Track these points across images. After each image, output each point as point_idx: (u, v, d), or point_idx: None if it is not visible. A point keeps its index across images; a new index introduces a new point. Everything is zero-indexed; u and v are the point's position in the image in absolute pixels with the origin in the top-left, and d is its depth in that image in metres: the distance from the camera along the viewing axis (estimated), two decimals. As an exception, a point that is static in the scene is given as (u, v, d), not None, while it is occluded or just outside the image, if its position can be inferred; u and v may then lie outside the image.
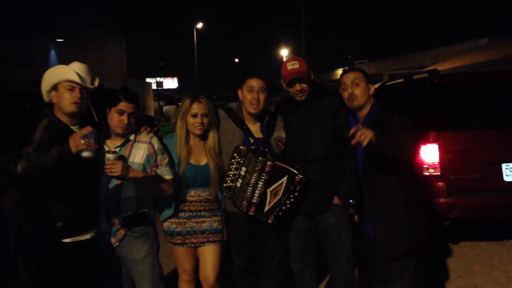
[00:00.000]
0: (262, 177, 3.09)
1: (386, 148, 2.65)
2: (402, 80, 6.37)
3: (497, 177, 4.85)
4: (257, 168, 3.09)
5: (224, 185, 3.21)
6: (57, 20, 18.76)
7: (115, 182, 2.94)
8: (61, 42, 19.40)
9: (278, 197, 3.11)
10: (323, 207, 3.32)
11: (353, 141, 2.56)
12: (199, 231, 3.21)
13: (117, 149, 2.88)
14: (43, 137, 2.59)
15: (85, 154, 2.49)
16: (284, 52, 46.01)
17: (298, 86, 3.25)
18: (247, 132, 3.30)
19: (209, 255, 3.24)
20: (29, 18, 16.92)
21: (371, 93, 3.03)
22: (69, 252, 2.67)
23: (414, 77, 5.87)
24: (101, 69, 21.06)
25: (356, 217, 3.23)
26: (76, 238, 2.71)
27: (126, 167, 2.74)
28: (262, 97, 3.26)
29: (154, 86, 50.55)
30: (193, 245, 3.23)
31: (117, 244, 2.99)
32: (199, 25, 40.38)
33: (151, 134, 3.08)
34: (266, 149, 3.22)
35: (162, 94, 58.34)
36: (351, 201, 3.30)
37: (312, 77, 3.36)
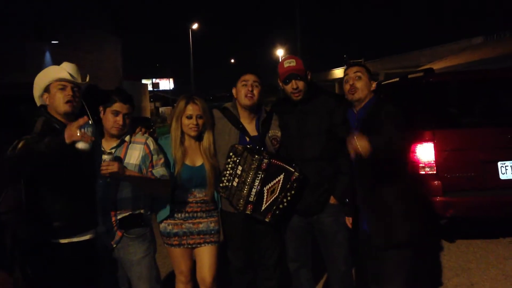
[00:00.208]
0: (258, 175, 3.10)
1: (379, 145, 2.67)
2: (397, 79, 6.38)
3: (493, 175, 4.87)
4: (253, 167, 3.10)
5: (221, 185, 3.21)
6: (51, 22, 18.70)
7: (111, 183, 2.94)
8: (56, 44, 19.34)
9: (275, 195, 3.11)
10: (320, 207, 3.33)
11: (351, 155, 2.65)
12: (196, 232, 3.21)
13: (113, 150, 2.88)
14: (43, 129, 2.59)
15: (80, 145, 2.39)
16: (280, 52, 46.04)
17: (294, 84, 3.26)
18: (243, 131, 3.30)
19: (205, 256, 3.24)
20: (23, 20, 16.87)
21: (372, 88, 3.06)
22: (67, 253, 2.65)
23: (409, 76, 5.89)
24: (96, 71, 21.01)
25: (347, 219, 3.25)
26: (74, 239, 2.70)
27: (122, 167, 2.73)
28: (256, 90, 3.27)
29: (150, 88, 50.52)
30: (189, 246, 3.22)
31: (114, 245, 2.99)
32: (195, 26, 40.39)
33: (146, 135, 3.08)
34: (262, 148, 3.22)
35: (158, 95, 58.30)
36: (347, 200, 3.30)
37: (309, 77, 3.37)
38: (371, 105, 3.01)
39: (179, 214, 3.19)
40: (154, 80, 58.62)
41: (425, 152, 4.86)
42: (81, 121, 2.38)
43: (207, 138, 3.23)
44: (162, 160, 3.06)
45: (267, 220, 3.14)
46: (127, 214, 2.98)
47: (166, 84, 62.08)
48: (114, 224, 2.97)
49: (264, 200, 3.13)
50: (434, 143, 4.84)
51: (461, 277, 4.41)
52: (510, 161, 4.87)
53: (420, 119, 5.02)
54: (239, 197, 3.14)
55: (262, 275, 3.46)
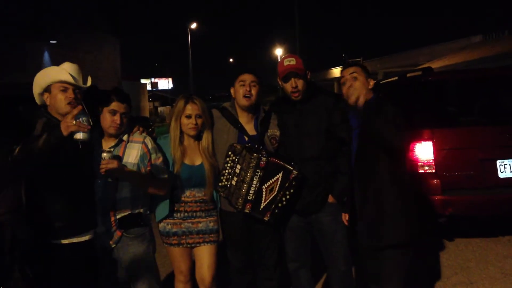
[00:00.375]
0: (257, 173, 3.10)
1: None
2: (396, 78, 6.38)
3: (492, 174, 4.87)
4: (251, 165, 3.10)
5: (220, 184, 3.21)
6: (50, 22, 18.68)
7: (110, 183, 2.94)
8: (55, 44, 19.31)
9: (273, 194, 3.11)
10: (318, 206, 3.33)
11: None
12: (195, 232, 3.21)
13: (112, 149, 2.88)
14: (43, 131, 2.58)
15: (78, 136, 2.41)
16: (278, 52, 46.02)
17: (293, 82, 3.25)
18: (241, 130, 3.31)
19: (205, 255, 3.24)
20: (23, 20, 16.84)
21: (370, 87, 3.04)
22: (66, 254, 2.66)
23: (408, 75, 5.89)
24: (95, 71, 21.00)
25: (344, 216, 3.25)
26: (74, 240, 2.70)
27: (121, 165, 2.74)
28: (254, 90, 3.27)
29: (149, 87, 50.50)
30: (188, 245, 3.23)
31: (114, 245, 2.99)
32: (193, 26, 40.36)
33: (144, 134, 3.08)
34: (261, 147, 3.22)
35: (157, 95, 58.28)
36: (346, 199, 3.30)
37: (308, 76, 3.37)
38: (369, 105, 2.99)
39: (178, 214, 3.19)
40: (153, 79, 58.62)
41: (424, 151, 4.87)
42: (75, 111, 2.38)
43: (206, 137, 3.23)
44: (161, 159, 3.06)
45: (266, 219, 3.14)
46: (126, 214, 2.98)
47: (165, 84, 62.06)
48: (113, 224, 2.97)
49: (263, 198, 3.13)
50: (433, 142, 4.85)
51: (460, 275, 4.42)
52: (509, 159, 4.87)
53: (419, 118, 5.02)
54: (237, 196, 3.14)
55: (262, 275, 3.46)
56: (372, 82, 3.08)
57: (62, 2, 19.76)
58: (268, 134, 3.35)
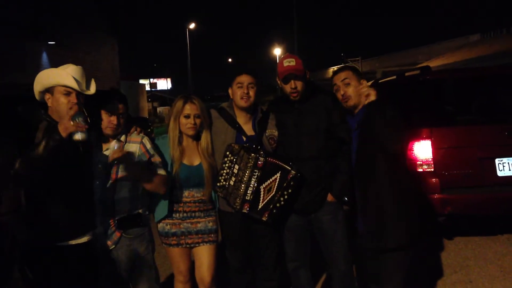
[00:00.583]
0: (254, 173, 3.10)
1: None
2: (394, 77, 6.39)
3: (490, 172, 4.87)
4: (249, 165, 3.10)
5: (218, 184, 3.21)
6: (49, 23, 18.66)
7: (109, 184, 2.95)
8: (53, 45, 19.28)
9: (271, 194, 3.11)
10: (317, 205, 3.33)
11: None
12: (194, 232, 3.21)
13: (109, 151, 2.87)
14: (43, 138, 2.58)
15: (77, 136, 2.41)
16: (277, 51, 46.04)
17: (293, 83, 3.26)
18: (239, 131, 3.31)
19: (204, 255, 3.24)
20: (22, 20, 16.82)
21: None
22: (66, 255, 2.65)
23: (406, 74, 5.89)
24: (93, 72, 20.94)
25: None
26: (73, 241, 2.70)
27: (130, 155, 2.77)
28: (252, 92, 3.27)
29: (147, 88, 50.43)
30: (188, 245, 3.23)
31: (113, 246, 2.99)
32: (192, 26, 40.35)
33: (141, 134, 3.08)
34: (259, 147, 3.22)
35: (156, 95, 58.20)
36: (346, 198, 3.31)
37: (307, 76, 3.37)
38: (367, 107, 2.98)
39: (177, 214, 3.20)
40: (151, 80, 58.55)
41: (422, 150, 4.87)
42: (71, 112, 2.39)
43: (205, 137, 3.24)
44: (159, 159, 3.07)
45: (264, 219, 3.14)
46: (125, 214, 2.98)
47: (164, 84, 61.98)
48: (113, 225, 2.97)
49: (261, 198, 3.13)
50: (431, 141, 4.85)
51: (460, 274, 4.42)
52: (508, 158, 4.88)
53: (417, 117, 5.02)
54: (235, 196, 3.14)
55: (262, 276, 3.46)
56: (365, 83, 3.05)
57: (61, 2, 19.73)
58: (267, 134, 3.35)
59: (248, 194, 3.12)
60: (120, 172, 2.97)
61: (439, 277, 4.37)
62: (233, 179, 3.16)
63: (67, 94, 2.63)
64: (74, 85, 2.61)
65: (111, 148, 2.72)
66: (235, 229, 3.35)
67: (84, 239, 2.74)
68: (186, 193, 3.19)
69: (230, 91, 3.36)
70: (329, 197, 3.33)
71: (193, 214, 3.21)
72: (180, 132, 3.20)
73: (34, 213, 2.61)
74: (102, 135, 3.00)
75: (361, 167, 2.97)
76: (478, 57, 22.92)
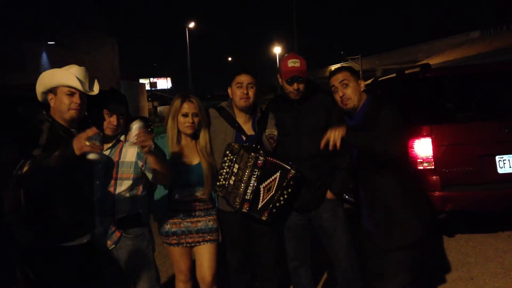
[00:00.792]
0: (254, 172, 3.10)
1: (361, 143, 2.76)
2: (394, 75, 6.38)
3: (491, 169, 4.87)
4: (249, 164, 3.10)
5: (217, 183, 3.21)
6: (49, 23, 18.65)
7: (108, 184, 2.95)
8: (53, 45, 19.29)
9: (271, 193, 3.11)
10: (316, 202, 3.33)
11: (330, 147, 2.71)
12: (194, 231, 3.21)
13: (108, 151, 2.86)
14: (49, 140, 2.57)
15: (91, 156, 2.40)
16: (277, 50, 45.98)
17: (296, 85, 3.26)
18: (239, 130, 3.30)
19: (205, 254, 3.24)
20: (21, 20, 16.82)
21: (362, 89, 3.01)
22: (67, 256, 2.65)
23: (406, 71, 5.89)
24: (93, 71, 20.93)
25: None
26: (73, 242, 2.70)
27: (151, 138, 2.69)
28: (251, 92, 3.27)
29: (147, 87, 50.44)
30: (188, 245, 3.23)
31: (113, 246, 3.00)
32: (191, 25, 40.32)
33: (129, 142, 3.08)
34: (259, 146, 3.22)
35: (156, 95, 58.25)
36: (346, 196, 3.30)
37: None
38: (366, 108, 2.97)
39: (177, 213, 3.19)
40: (151, 79, 58.58)
41: (423, 147, 4.87)
42: (89, 132, 2.36)
43: (203, 136, 3.23)
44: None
45: (264, 218, 3.14)
46: (125, 214, 2.99)
47: (164, 84, 62.02)
48: (112, 225, 2.97)
49: (261, 198, 3.13)
50: (431, 138, 4.84)
51: (461, 271, 4.42)
52: (508, 155, 4.87)
53: (417, 115, 5.01)
54: (235, 195, 3.14)
55: (261, 275, 3.46)
56: (363, 84, 3.03)
57: (61, 2, 19.73)
58: (266, 134, 3.35)
59: (248, 194, 3.12)
60: (120, 172, 2.97)
61: (440, 274, 4.37)
62: (233, 178, 3.16)
63: (71, 94, 2.63)
64: (78, 85, 2.62)
65: (134, 129, 2.61)
66: (234, 229, 3.34)
67: (84, 240, 2.74)
68: (186, 192, 3.18)
69: (229, 90, 3.36)
70: (329, 195, 3.33)
71: (193, 213, 3.21)
72: (178, 131, 3.20)
73: (34, 214, 2.61)
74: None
75: (366, 167, 2.96)
76: (478, 54, 22.91)
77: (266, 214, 3.13)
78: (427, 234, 2.91)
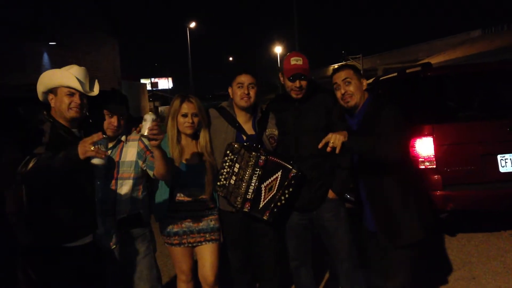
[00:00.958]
0: (256, 172, 3.09)
1: (361, 148, 2.76)
2: (395, 74, 6.37)
3: (492, 168, 4.86)
4: (250, 163, 3.09)
5: (218, 183, 3.20)
6: (50, 23, 18.67)
7: (109, 184, 2.95)
8: (54, 45, 19.30)
9: (272, 193, 3.11)
10: (318, 202, 3.32)
11: (328, 149, 2.71)
12: (196, 231, 3.20)
13: (109, 152, 2.86)
14: (52, 140, 2.58)
15: (96, 161, 2.40)
16: (278, 50, 45.99)
17: (298, 83, 3.25)
18: (240, 130, 3.30)
19: (207, 254, 3.23)
20: (22, 21, 16.84)
21: (364, 88, 3.02)
22: (69, 257, 2.65)
23: (408, 70, 5.88)
24: (94, 71, 20.96)
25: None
26: (75, 243, 2.69)
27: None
28: (252, 92, 3.26)
29: (149, 87, 50.50)
30: (190, 245, 3.22)
31: (114, 246, 3.00)
32: (192, 25, 40.32)
33: (139, 133, 3.08)
34: (259, 146, 3.22)
35: (157, 95, 58.30)
36: (347, 195, 3.29)
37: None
38: (367, 107, 2.98)
39: (179, 213, 3.18)
40: (152, 79, 58.63)
41: (424, 147, 4.86)
42: (95, 137, 2.36)
43: (203, 136, 3.23)
44: None
45: (265, 218, 3.13)
46: (126, 214, 2.98)
47: (165, 84, 62.06)
48: (114, 225, 2.97)
49: (262, 197, 3.12)
50: (433, 138, 4.83)
51: (463, 270, 4.42)
52: (510, 154, 4.86)
53: (419, 114, 5.01)
54: (236, 195, 3.14)
55: (262, 275, 3.45)
56: (365, 82, 3.04)
57: (62, 2, 19.74)
58: (267, 133, 3.34)
59: (249, 193, 3.11)
60: (120, 172, 2.97)
61: (442, 274, 4.36)
62: (234, 178, 3.15)
63: (71, 95, 2.64)
64: (77, 86, 2.62)
65: (148, 121, 2.59)
66: (235, 229, 3.34)
67: (86, 240, 2.74)
68: (186, 193, 3.18)
69: (230, 90, 3.35)
70: (330, 194, 3.32)
71: (194, 213, 3.20)
72: (178, 131, 3.19)
73: (36, 214, 2.61)
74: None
75: (367, 167, 2.96)
76: (479, 53, 22.91)
77: (267, 214, 3.12)
78: (427, 235, 2.90)
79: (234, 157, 3.16)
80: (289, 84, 3.29)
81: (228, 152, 3.18)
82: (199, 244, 3.23)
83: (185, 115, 3.16)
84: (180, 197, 3.17)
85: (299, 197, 3.27)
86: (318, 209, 3.34)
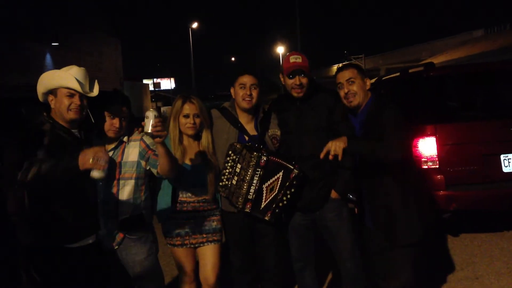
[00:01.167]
0: (257, 172, 3.08)
1: (362, 151, 2.79)
2: (398, 74, 6.36)
3: (495, 168, 4.84)
4: (252, 164, 3.08)
5: (220, 184, 3.20)
6: (52, 24, 18.71)
7: (112, 185, 2.95)
8: (56, 46, 19.34)
9: (274, 193, 3.10)
10: (320, 202, 3.31)
11: (330, 157, 2.76)
12: (198, 231, 3.19)
13: (111, 152, 2.86)
14: (52, 142, 2.58)
15: (94, 174, 2.40)
16: (280, 50, 46.02)
17: (298, 80, 3.24)
18: (242, 130, 3.29)
19: (208, 255, 3.22)
20: (24, 21, 16.87)
21: (367, 88, 3.02)
22: (72, 258, 2.65)
23: (410, 70, 5.87)
24: (96, 72, 21.03)
25: (356, 210, 3.23)
26: (80, 243, 2.69)
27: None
28: (254, 92, 3.26)
29: (151, 87, 50.55)
30: (192, 245, 3.21)
31: (117, 247, 2.99)
32: (194, 25, 40.36)
33: (142, 133, 3.08)
34: (261, 146, 3.21)
35: (160, 95, 58.30)
36: (350, 195, 3.29)
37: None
38: (370, 106, 2.97)
39: (181, 214, 3.17)
40: (155, 80, 58.66)
41: (427, 147, 4.85)
42: (98, 152, 2.36)
43: (205, 137, 3.22)
44: None
45: (266, 218, 3.12)
46: (128, 215, 2.98)
47: (167, 84, 62.12)
48: (116, 226, 2.97)
49: (263, 198, 3.12)
50: (436, 137, 4.82)
51: (466, 270, 4.40)
52: (513, 154, 4.85)
53: (421, 114, 5.00)
54: (238, 195, 3.13)
55: (265, 276, 3.45)
56: (368, 82, 3.05)
57: (64, 3, 19.78)
58: (269, 134, 3.34)
59: (250, 193, 3.10)
60: (122, 172, 2.96)
61: (445, 274, 4.35)
62: (236, 178, 3.14)
63: (71, 96, 2.63)
64: (77, 87, 2.61)
65: (151, 118, 2.58)
66: (237, 229, 3.33)
67: (89, 241, 2.74)
68: (189, 193, 3.17)
69: (232, 91, 3.34)
70: (333, 194, 3.31)
71: (196, 214, 3.19)
72: (180, 132, 3.19)
73: (38, 215, 2.61)
74: (105, 136, 3.00)
75: (368, 167, 2.95)
76: (481, 53, 22.87)
77: (269, 214, 3.11)
78: (427, 234, 2.90)
79: (236, 158, 3.15)
80: (289, 82, 3.29)
81: (230, 152, 3.17)
82: (201, 245, 3.22)
83: (187, 116, 3.15)
84: (183, 197, 3.17)
85: (302, 197, 3.27)
86: (320, 209, 3.33)
